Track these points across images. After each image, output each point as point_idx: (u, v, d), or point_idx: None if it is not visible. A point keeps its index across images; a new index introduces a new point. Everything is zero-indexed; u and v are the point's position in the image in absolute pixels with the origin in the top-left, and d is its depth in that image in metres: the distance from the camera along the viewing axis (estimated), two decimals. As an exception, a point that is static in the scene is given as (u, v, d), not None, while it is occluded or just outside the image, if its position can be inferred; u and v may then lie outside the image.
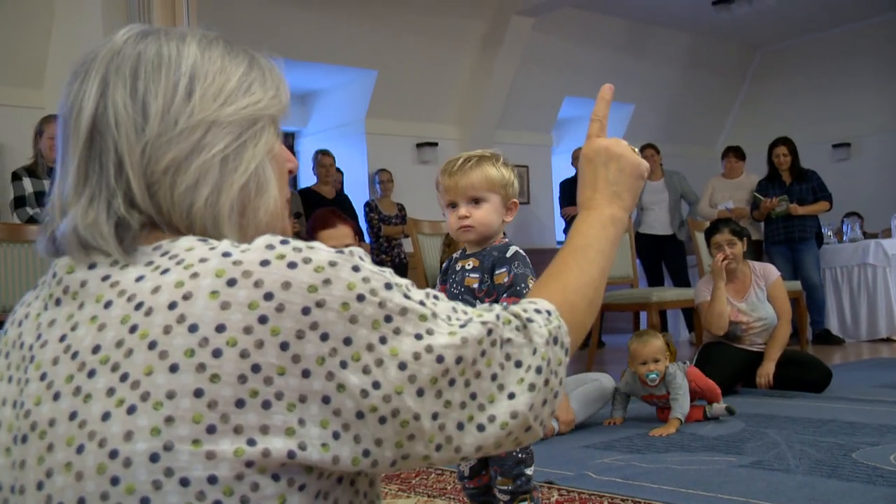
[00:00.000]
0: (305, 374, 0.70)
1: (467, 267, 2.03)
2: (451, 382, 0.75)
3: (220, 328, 0.69)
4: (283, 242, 0.74)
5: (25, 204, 4.41)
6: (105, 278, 0.76)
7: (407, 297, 0.76)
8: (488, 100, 8.00)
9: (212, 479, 0.67)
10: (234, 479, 0.68)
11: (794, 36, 9.65)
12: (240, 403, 0.68)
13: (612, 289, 6.27)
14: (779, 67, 9.99)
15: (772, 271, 4.41)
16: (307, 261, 0.73)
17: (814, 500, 2.24)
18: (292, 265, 0.72)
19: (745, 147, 7.70)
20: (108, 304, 0.74)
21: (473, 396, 0.77)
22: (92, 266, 0.77)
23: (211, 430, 0.67)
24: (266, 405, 0.69)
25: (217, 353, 0.69)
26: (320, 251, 0.74)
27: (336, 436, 0.71)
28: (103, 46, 0.81)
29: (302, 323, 0.70)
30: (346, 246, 3.45)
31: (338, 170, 7.08)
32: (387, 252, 7.11)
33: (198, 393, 0.68)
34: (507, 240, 2.08)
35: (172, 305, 0.70)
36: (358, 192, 7.43)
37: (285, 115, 0.86)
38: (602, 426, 3.59)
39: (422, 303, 0.77)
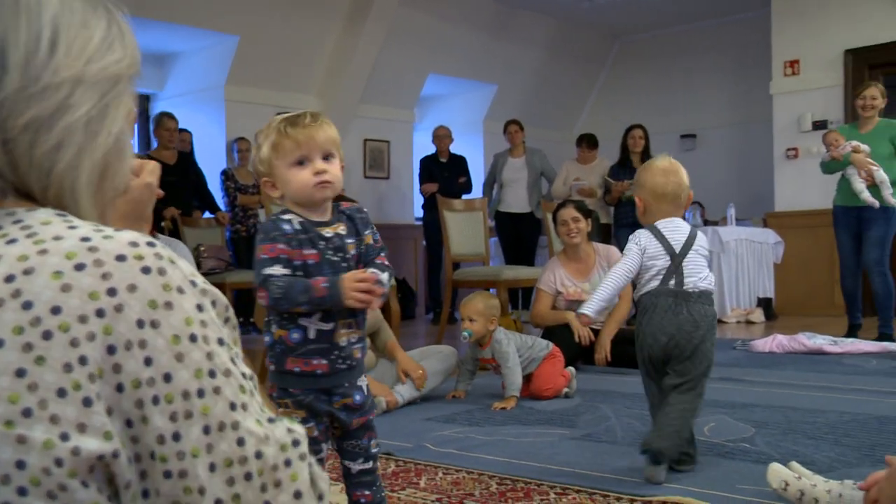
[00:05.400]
0: (119, 388, 0.67)
1: (341, 232, 1.83)
2: (248, 477, 0.72)
3: (56, 310, 0.66)
4: (150, 244, 0.71)
5: None
6: None
7: (234, 361, 0.74)
8: (352, 72, 7.94)
9: (20, 464, 0.64)
10: (42, 472, 0.65)
11: (651, 28, 10.04)
12: (61, 392, 0.65)
13: (464, 266, 6.38)
14: (635, 58, 10.38)
15: (614, 252, 4.60)
16: (161, 272, 0.70)
17: (633, 469, 2.38)
18: (146, 270, 0.70)
19: (600, 132, 7.96)
20: None
21: None
22: None
23: (27, 413, 0.64)
24: (87, 402, 0.66)
25: (47, 335, 0.66)
26: (178, 270, 0.72)
27: (129, 461, 0.69)
28: None
29: (133, 334, 0.68)
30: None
31: (185, 130, 6.86)
32: (242, 222, 6.99)
33: (20, 373, 0.65)
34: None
35: (10, 278, 0.67)
36: (215, 160, 7.24)
37: (139, 76, 0.83)
38: (445, 399, 3.68)
39: (244, 375, 0.74)
